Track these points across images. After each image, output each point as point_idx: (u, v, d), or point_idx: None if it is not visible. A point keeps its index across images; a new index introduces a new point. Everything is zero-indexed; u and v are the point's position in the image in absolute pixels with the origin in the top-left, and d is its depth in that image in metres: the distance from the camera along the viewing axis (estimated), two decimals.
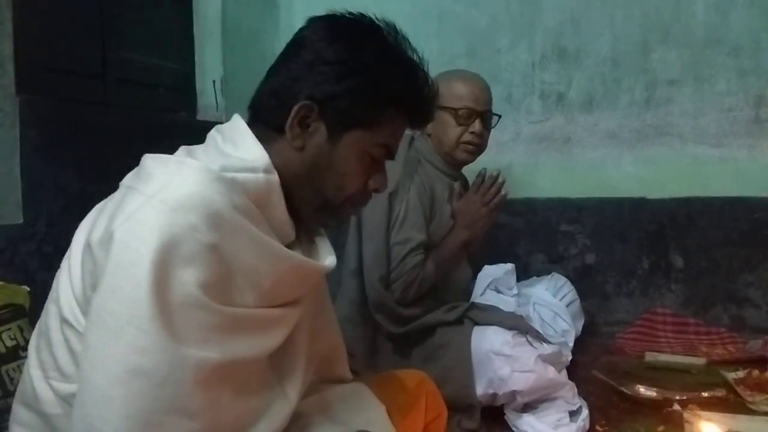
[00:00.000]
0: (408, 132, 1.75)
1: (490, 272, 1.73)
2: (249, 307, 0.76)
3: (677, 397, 1.58)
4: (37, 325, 0.81)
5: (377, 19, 0.90)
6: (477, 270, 1.77)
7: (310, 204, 0.87)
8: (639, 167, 2.25)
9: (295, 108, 0.83)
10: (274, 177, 0.82)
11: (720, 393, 1.61)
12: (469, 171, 1.80)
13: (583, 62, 2.29)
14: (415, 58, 0.89)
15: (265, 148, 0.82)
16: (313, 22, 0.89)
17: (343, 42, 0.85)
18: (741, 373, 1.69)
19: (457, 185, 1.75)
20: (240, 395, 0.76)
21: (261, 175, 0.80)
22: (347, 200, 0.89)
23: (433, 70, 0.94)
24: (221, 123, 2.40)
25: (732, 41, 2.14)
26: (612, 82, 2.27)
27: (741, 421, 1.44)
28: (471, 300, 1.67)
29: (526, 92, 2.36)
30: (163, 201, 0.69)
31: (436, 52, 2.40)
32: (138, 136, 1.83)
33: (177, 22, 2.16)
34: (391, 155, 0.91)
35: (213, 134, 0.87)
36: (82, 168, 1.59)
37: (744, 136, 2.14)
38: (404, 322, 1.61)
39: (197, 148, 0.85)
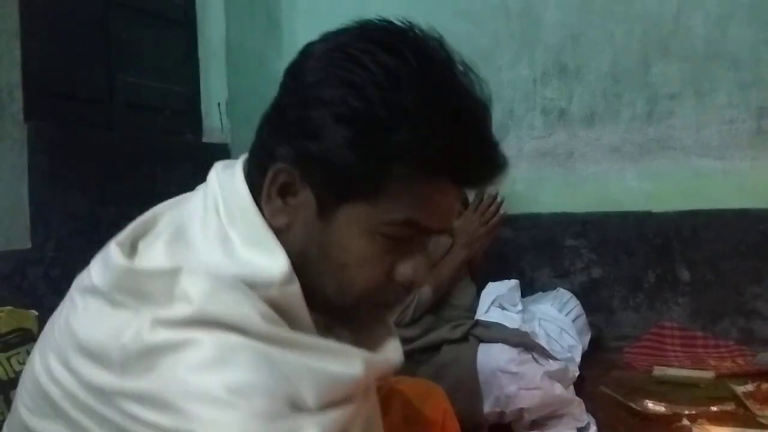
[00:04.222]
0: None
1: (494, 289, 1.73)
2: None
3: (686, 412, 1.56)
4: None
5: (408, 24, 0.63)
6: (480, 287, 1.77)
7: (314, 303, 0.64)
8: (642, 181, 2.25)
9: (270, 173, 0.62)
10: (293, 288, 0.61)
11: (729, 407, 1.59)
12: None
13: (584, 78, 2.30)
14: (462, 78, 0.63)
15: None
16: (313, 43, 0.66)
17: (336, 68, 0.60)
18: (750, 387, 1.68)
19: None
20: None
21: (275, 291, 0.60)
22: (360, 300, 0.65)
23: None
24: (227, 145, 2.42)
25: (732, 54, 2.14)
26: (613, 96, 2.28)
27: None
28: (475, 317, 1.67)
29: (528, 108, 2.38)
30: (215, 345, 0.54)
31: None
32: (145, 159, 1.85)
33: (182, 46, 2.19)
34: (427, 230, 0.65)
35: (211, 198, 0.65)
36: (90, 192, 1.61)
37: (747, 148, 2.14)
38: (406, 342, 1.61)
39: (192, 228, 0.63)
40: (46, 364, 0.61)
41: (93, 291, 0.61)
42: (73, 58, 1.73)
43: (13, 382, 1.11)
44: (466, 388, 1.49)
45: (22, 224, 1.46)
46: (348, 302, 0.65)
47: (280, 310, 0.59)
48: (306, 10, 2.54)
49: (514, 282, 1.76)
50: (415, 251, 0.65)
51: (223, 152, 2.12)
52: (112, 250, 0.61)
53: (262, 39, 2.44)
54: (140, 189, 1.80)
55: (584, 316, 1.95)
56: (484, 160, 0.63)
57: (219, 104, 2.21)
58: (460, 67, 0.64)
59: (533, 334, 1.63)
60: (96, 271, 0.62)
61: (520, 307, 1.73)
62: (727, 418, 1.54)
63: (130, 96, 1.92)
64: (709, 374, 1.85)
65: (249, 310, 0.56)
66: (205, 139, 2.19)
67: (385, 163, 0.59)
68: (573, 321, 1.88)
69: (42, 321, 1.21)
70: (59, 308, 0.68)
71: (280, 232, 0.62)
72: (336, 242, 0.62)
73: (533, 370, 1.45)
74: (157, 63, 2.06)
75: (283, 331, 0.58)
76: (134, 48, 1.95)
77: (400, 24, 0.64)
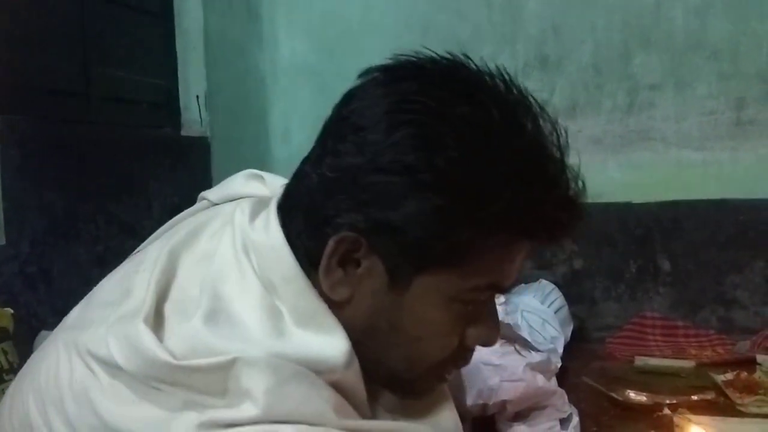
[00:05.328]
0: None
1: None
2: None
3: (667, 401, 1.57)
4: None
5: (473, 66, 0.57)
6: None
7: (371, 376, 0.59)
8: (624, 172, 2.26)
9: (332, 242, 0.54)
10: (354, 367, 0.55)
11: (709, 396, 1.61)
12: None
13: (565, 69, 2.31)
14: (540, 120, 0.57)
15: None
16: (368, 85, 0.57)
17: (412, 125, 0.52)
18: (730, 375, 1.69)
19: None
20: None
21: (338, 375, 0.54)
22: (430, 371, 0.61)
23: None
24: (206, 138, 2.39)
25: (712, 45, 2.16)
26: (594, 88, 2.28)
27: (731, 423, 1.44)
28: None
29: None
30: None
31: None
32: (122, 153, 1.82)
33: (159, 38, 2.15)
34: (503, 290, 0.61)
35: (244, 256, 0.56)
36: (66, 187, 1.58)
37: (726, 139, 2.16)
38: None
39: (231, 298, 0.54)
40: (49, 425, 0.54)
41: (117, 368, 0.52)
42: (47, 50, 1.69)
43: None
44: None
45: None
46: (416, 374, 0.60)
47: (342, 392, 0.54)
48: (286, 1, 2.51)
49: None
50: (485, 311, 0.61)
51: (202, 145, 2.10)
52: (142, 332, 0.52)
53: (242, 30, 2.41)
54: (117, 183, 1.77)
55: (566, 307, 1.96)
56: (573, 219, 0.58)
57: (198, 97, 2.18)
58: (535, 107, 0.57)
59: (516, 326, 1.63)
60: (118, 350, 0.52)
61: (502, 299, 1.73)
62: (707, 407, 1.55)
63: (106, 89, 1.88)
64: (689, 363, 1.87)
65: (319, 404, 0.51)
66: (183, 132, 2.16)
67: (476, 232, 0.53)
68: (555, 312, 1.88)
69: (17, 319, 1.18)
70: (52, 355, 0.57)
71: (337, 306, 0.55)
72: (410, 314, 0.56)
73: (516, 361, 1.45)
74: (134, 55, 2.02)
75: (356, 424, 0.54)
76: (110, 39, 1.91)
77: (453, 59, 0.57)
